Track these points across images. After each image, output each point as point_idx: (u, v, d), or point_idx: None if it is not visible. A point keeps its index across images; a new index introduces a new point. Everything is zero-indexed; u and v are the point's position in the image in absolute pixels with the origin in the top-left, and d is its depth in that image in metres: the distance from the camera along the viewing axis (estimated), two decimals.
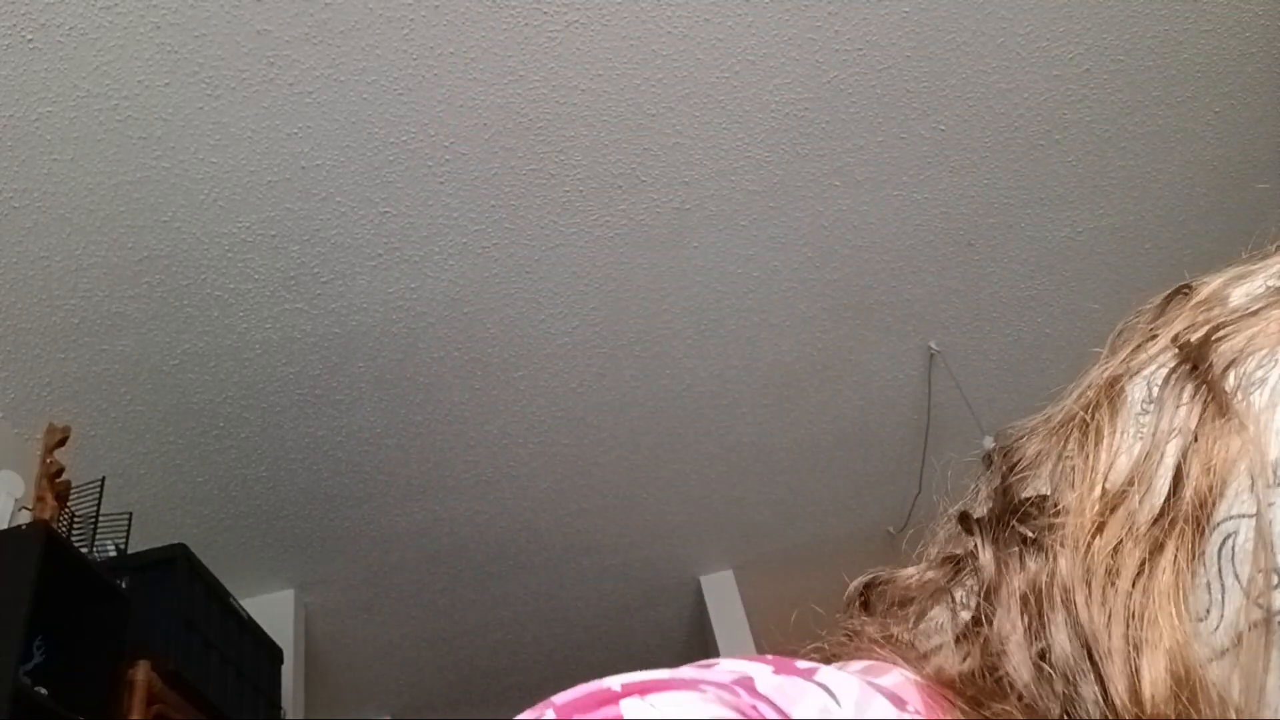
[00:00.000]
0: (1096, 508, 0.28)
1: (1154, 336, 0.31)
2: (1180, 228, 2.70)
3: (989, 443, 2.51)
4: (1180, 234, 2.72)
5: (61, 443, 2.07)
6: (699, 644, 4.02)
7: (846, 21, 2.02)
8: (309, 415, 2.56)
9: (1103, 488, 0.28)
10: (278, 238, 2.12)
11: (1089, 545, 0.27)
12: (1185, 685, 0.23)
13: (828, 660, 0.32)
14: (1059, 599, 0.27)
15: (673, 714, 0.24)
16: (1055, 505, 0.29)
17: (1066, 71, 2.24)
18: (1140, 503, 0.27)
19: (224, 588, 2.49)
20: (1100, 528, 0.27)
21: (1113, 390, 0.30)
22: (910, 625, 0.33)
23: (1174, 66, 2.29)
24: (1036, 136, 2.36)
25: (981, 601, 0.30)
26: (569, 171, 2.15)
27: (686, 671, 0.28)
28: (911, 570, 0.36)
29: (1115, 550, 0.26)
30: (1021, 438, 0.34)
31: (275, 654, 2.74)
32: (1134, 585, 0.25)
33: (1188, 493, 0.25)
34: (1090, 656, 0.25)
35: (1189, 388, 0.27)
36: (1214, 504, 0.25)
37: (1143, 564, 0.25)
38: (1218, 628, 0.23)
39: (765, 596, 3.79)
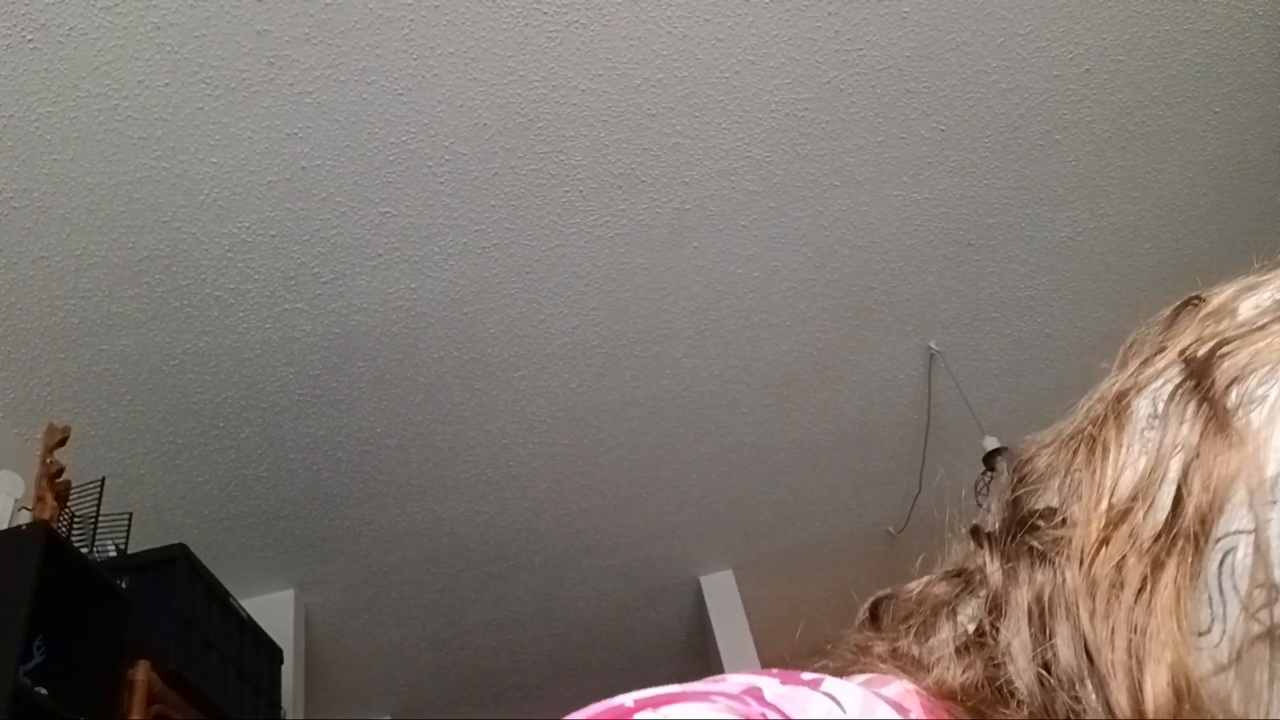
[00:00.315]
0: (1102, 522, 0.28)
1: (1163, 349, 0.31)
2: (1180, 228, 2.70)
3: (989, 443, 2.51)
4: (1180, 234, 2.72)
5: (61, 443, 2.07)
6: (699, 644, 4.02)
7: (846, 21, 2.02)
8: (309, 415, 2.56)
9: (1109, 502, 0.29)
10: (278, 238, 2.12)
11: (1094, 559, 0.27)
12: (1187, 698, 0.23)
13: (833, 675, 0.33)
14: (1064, 611, 0.27)
15: None
16: (1063, 518, 0.30)
17: (1066, 71, 2.24)
18: (1144, 518, 0.27)
19: (224, 588, 2.49)
20: (1105, 542, 0.28)
21: (1120, 405, 0.31)
22: (915, 638, 0.34)
23: (1174, 67, 2.29)
24: (1036, 136, 2.36)
25: (986, 613, 0.31)
26: (569, 171, 2.15)
27: (697, 685, 0.29)
28: (916, 584, 0.36)
29: (1119, 565, 0.27)
30: (1033, 450, 0.34)
31: (275, 654, 2.74)
32: (1136, 600, 0.26)
33: (1189, 509, 0.26)
34: (1094, 669, 0.25)
35: (1192, 404, 0.28)
36: (1214, 520, 0.25)
37: (1145, 579, 0.26)
38: (1219, 642, 0.24)
39: (765, 596, 3.79)
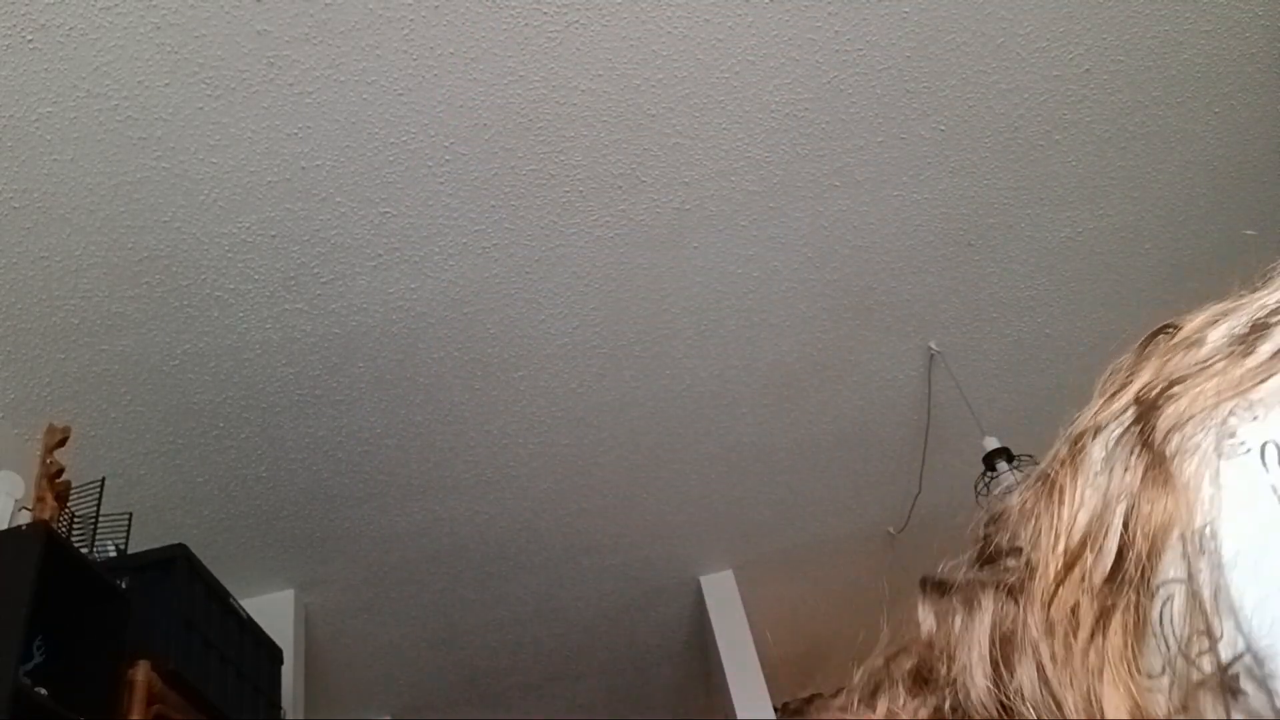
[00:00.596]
0: (1058, 564, 0.29)
1: (1127, 383, 0.32)
2: (1180, 228, 2.70)
3: (989, 443, 2.51)
4: (1180, 234, 2.72)
5: (61, 443, 2.07)
6: (699, 644, 4.02)
7: (846, 21, 2.02)
8: (309, 415, 2.56)
9: (1065, 545, 0.29)
10: (278, 238, 2.12)
11: (1050, 604, 0.28)
12: None
13: None
14: (1027, 649, 0.28)
15: None
16: (1026, 559, 0.31)
17: (1066, 71, 2.23)
18: (1093, 564, 0.28)
19: (224, 588, 2.49)
20: (1060, 585, 0.28)
21: (1076, 448, 0.32)
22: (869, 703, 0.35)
23: (1174, 67, 2.29)
24: (1036, 136, 2.36)
25: (946, 649, 0.31)
26: (569, 172, 2.15)
27: None
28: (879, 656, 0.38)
29: (1074, 609, 0.28)
30: (1011, 490, 0.35)
31: (275, 654, 2.74)
32: (1090, 643, 0.27)
33: (1131, 556, 0.27)
34: (1058, 705, 0.26)
35: (1135, 450, 0.29)
36: (1152, 568, 0.26)
37: (1096, 624, 0.27)
38: (1169, 688, 0.25)
39: (765, 596, 3.79)
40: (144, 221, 2.01)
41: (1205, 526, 0.25)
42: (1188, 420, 0.27)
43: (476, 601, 3.49)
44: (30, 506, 1.97)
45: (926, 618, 0.32)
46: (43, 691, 1.71)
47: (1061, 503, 0.30)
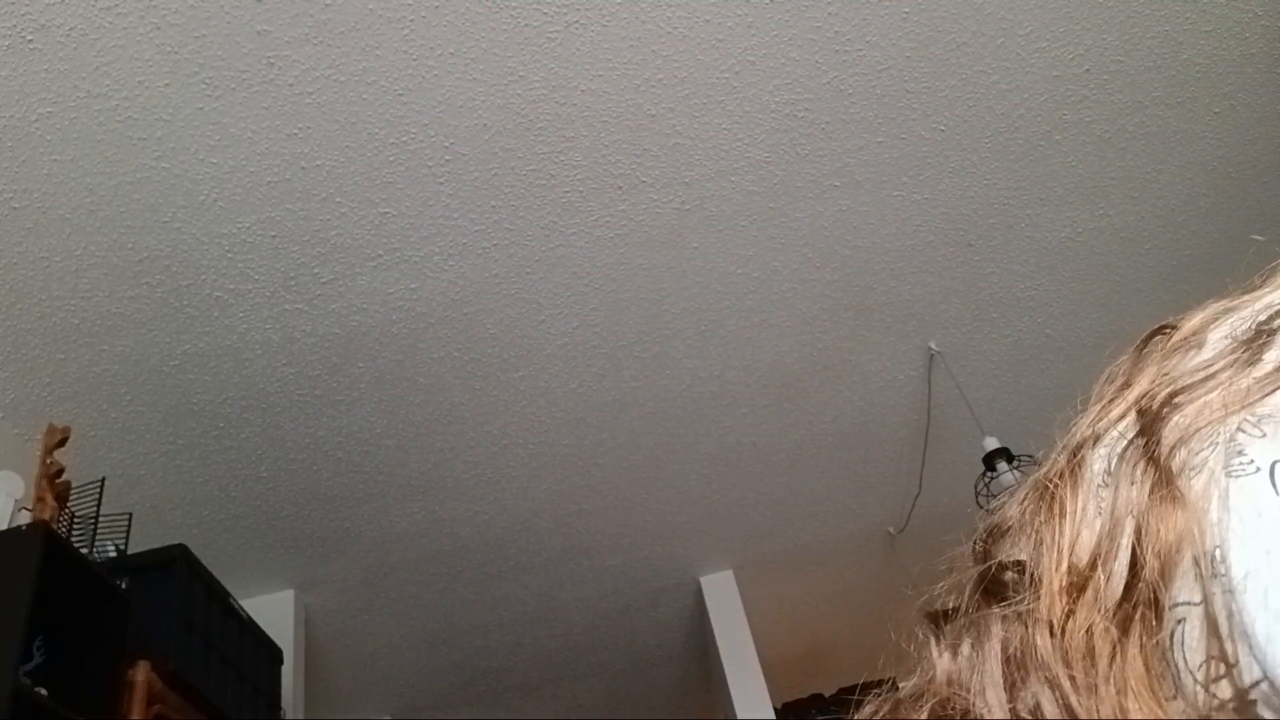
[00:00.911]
0: (1064, 584, 0.28)
1: (1126, 387, 0.31)
2: (1180, 228, 2.70)
3: (989, 443, 2.51)
4: (1180, 234, 2.72)
5: (61, 443, 2.07)
6: (699, 644, 4.02)
7: (846, 21, 2.02)
8: (309, 415, 2.56)
9: (1069, 563, 0.29)
10: (278, 238, 2.12)
11: (1064, 627, 0.28)
12: None
13: None
14: (1042, 676, 0.27)
15: None
16: (1030, 575, 0.30)
17: (1066, 71, 2.23)
18: (1105, 585, 0.27)
19: (224, 588, 2.49)
20: (1071, 610, 0.28)
21: (1075, 460, 0.31)
22: None
23: (1174, 67, 2.29)
24: (1036, 136, 2.36)
25: (948, 679, 0.30)
26: (569, 172, 2.15)
27: None
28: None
29: (1088, 632, 0.27)
30: (1009, 502, 0.34)
31: (275, 654, 2.74)
32: (1110, 670, 0.26)
33: (1143, 576, 0.26)
34: None
35: (1140, 464, 0.28)
36: (1164, 589, 0.25)
37: (1114, 647, 0.26)
38: (1185, 711, 0.24)
39: (765, 596, 3.79)
40: (144, 222, 2.01)
41: (1215, 549, 0.24)
42: (1193, 434, 0.27)
43: (476, 601, 3.49)
44: (30, 506, 1.97)
45: (942, 656, 0.31)
46: (43, 692, 1.71)
47: (1062, 517, 0.30)
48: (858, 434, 3.15)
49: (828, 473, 3.29)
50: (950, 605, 0.33)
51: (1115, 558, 0.27)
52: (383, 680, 3.78)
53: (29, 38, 1.68)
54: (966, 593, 0.32)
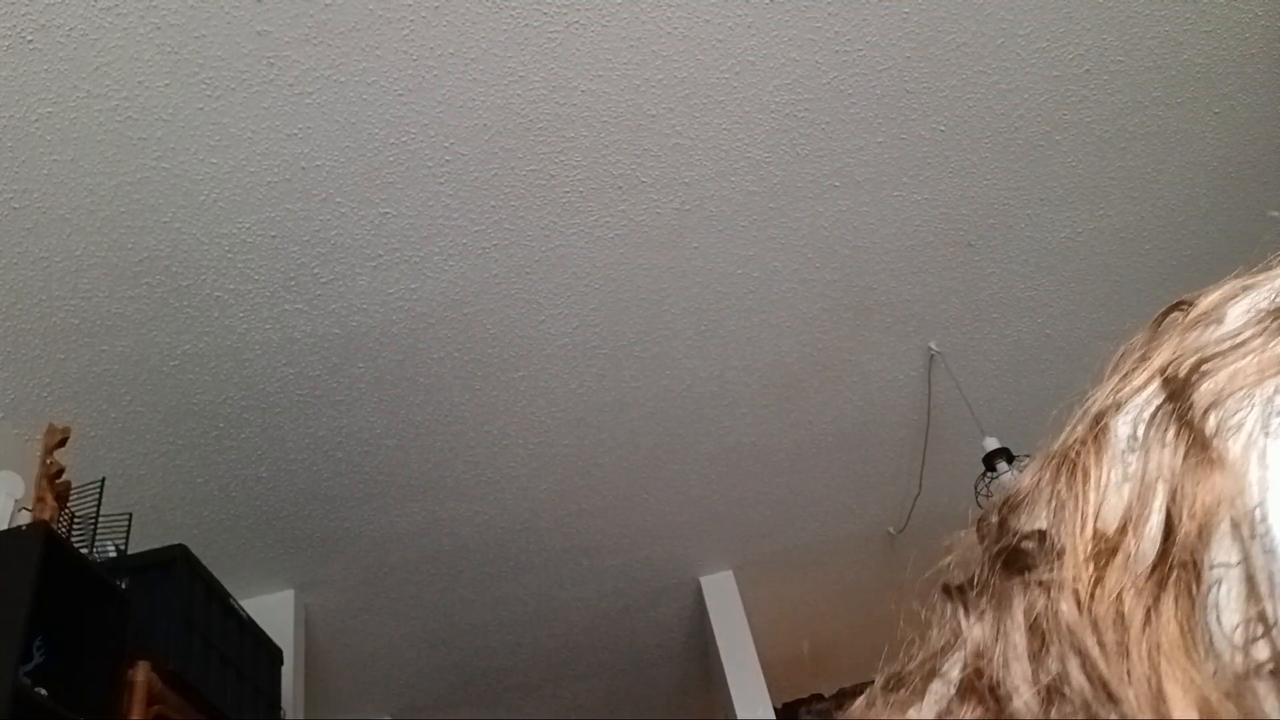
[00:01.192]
0: (1090, 551, 0.28)
1: (1145, 360, 0.31)
2: (1180, 228, 2.70)
3: (989, 443, 2.51)
4: (1180, 234, 2.72)
5: (61, 443, 2.07)
6: (699, 644, 4.02)
7: (846, 22, 2.02)
8: (309, 415, 2.56)
9: (1094, 528, 0.28)
10: (278, 239, 2.12)
11: (1092, 595, 0.27)
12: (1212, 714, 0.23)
13: None
14: (1068, 645, 0.27)
15: None
16: (1052, 543, 0.30)
17: (1066, 71, 2.24)
18: (1136, 550, 0.27)
19: (224, 588, 2.49)
20: (1100, 576, 0.27)
21: (1097, 427, 0.30)
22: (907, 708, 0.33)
23: (1174, 67, 2.29)
24: (1036, 136, 2.36)
25: (973, 657, 0.30)
26: (569, 172, 2.15)
27: None
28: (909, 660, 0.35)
29: (1118, 598, 0.26)
30: (1022, 473, 0.33)
31: (275, 654, 2.74)
32: (1144, 633, 0.25)
33: (1177, 539, 0.26)
34: (1112, 697, 0.25)
35: (1172, 429, 0.27)
36: (1202, 551, 0.25)
37: (1148, 613, 0.25)
38: (1220, 673, 0.24)
39: (765, 596, 3.79)
40: (144, 222, 2.01)
41: (1255, 509, 0.24)
42: (1228, 397, 0.26)
43: (476, 601, 3.49)
44: (30, 507, 1.97)
45: (973, 628, 0.31)
46: (43, 692, 1.71)
47: (1086, 483, 0.29)
48: (858, 434, 3.15)
49: (828, 473, 3.29)
50: (969, 576, 0.32)
51: (1147, 521, 0.27)
52: (383, 680, 3.78)
53: (29, 38, 1.68)
54: (984, 565, 0.32)
